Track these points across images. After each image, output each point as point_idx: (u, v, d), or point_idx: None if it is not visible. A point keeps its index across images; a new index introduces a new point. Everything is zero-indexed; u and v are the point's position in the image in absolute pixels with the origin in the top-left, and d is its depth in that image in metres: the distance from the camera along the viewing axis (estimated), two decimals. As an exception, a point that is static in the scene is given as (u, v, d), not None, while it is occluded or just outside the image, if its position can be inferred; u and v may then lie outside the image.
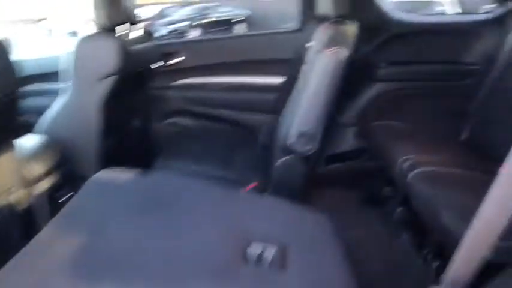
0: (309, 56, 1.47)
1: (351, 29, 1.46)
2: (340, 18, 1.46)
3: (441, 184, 1.26)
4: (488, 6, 2.02)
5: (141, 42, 1.71)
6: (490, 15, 1.94)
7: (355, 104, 1.95)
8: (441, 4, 3.22)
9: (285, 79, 1.87)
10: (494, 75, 1.64)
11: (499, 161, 0.71)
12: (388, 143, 1.62)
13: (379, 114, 1.85)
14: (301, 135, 1.33)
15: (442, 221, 1.11)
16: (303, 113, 1.33)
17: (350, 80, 1.37)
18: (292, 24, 2.04)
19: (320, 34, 1.43)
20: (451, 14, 2.88)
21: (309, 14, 1.88)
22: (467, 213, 0.70)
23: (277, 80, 1.95)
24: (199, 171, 1.55)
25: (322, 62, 1.29)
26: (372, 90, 1.93)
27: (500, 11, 1.90)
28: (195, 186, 1.22)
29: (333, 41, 1.31)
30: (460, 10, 2.94)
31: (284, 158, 1.39)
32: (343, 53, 1.28)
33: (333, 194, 1.93)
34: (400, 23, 1.87)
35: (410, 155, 1.44)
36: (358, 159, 1.98)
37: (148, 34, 1.80)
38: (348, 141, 1.98)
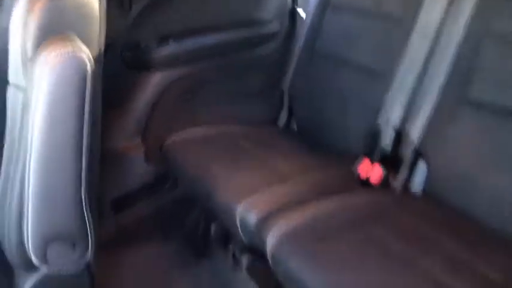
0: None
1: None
2: None
3: (315, 259, 0.81)
4: None
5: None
6: None
7: (130, 116, 1.28)
8: None
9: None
10: (304, 33, 1.34)
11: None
12: (199, 173, 1.13)
13: (168, 123, 1.31)
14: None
15: None
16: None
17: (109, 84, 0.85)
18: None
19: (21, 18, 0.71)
20: None
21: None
22: None
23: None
24: None
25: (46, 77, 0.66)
26: (148, 89, 1.28)
27: None
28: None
29: (56, 29, 0.70)
30: None
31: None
32: (82, 50, 0.68)
33: (137, 253, 1.30)
34: None
35: (246, 196, 0.96)
36: (158, 194, 1.37)
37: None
38: (136, 171, 1.32)
